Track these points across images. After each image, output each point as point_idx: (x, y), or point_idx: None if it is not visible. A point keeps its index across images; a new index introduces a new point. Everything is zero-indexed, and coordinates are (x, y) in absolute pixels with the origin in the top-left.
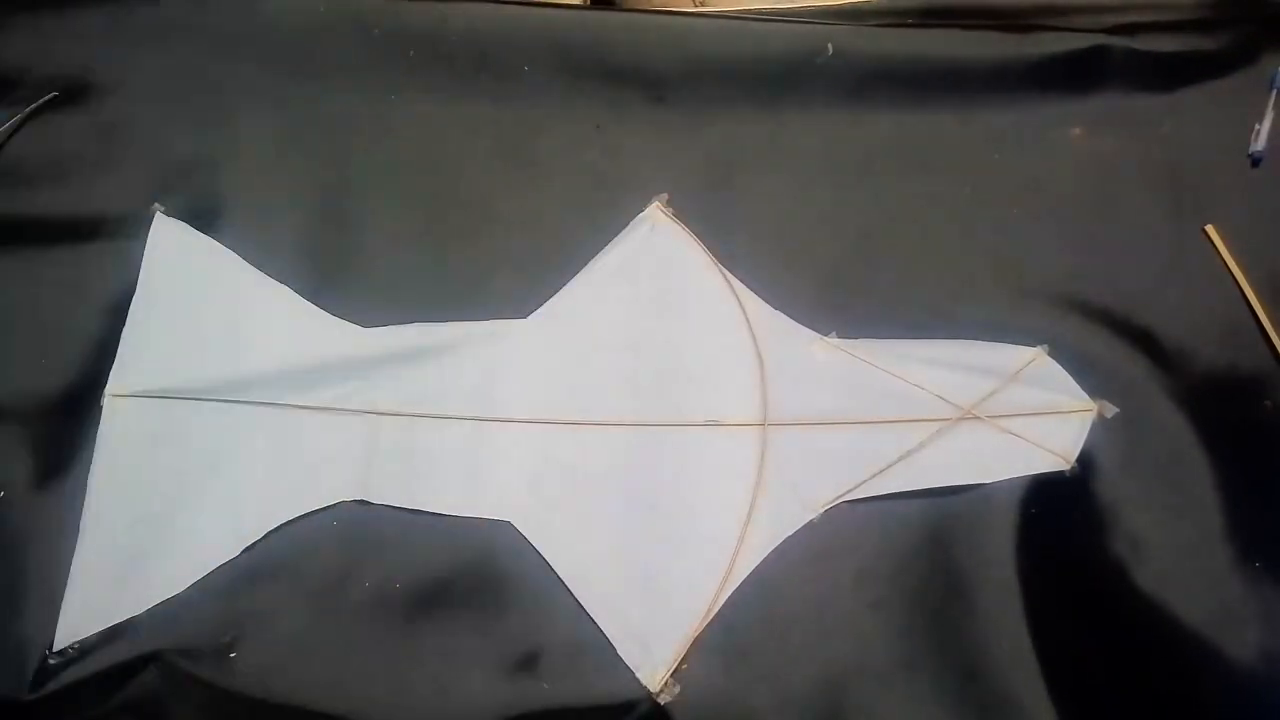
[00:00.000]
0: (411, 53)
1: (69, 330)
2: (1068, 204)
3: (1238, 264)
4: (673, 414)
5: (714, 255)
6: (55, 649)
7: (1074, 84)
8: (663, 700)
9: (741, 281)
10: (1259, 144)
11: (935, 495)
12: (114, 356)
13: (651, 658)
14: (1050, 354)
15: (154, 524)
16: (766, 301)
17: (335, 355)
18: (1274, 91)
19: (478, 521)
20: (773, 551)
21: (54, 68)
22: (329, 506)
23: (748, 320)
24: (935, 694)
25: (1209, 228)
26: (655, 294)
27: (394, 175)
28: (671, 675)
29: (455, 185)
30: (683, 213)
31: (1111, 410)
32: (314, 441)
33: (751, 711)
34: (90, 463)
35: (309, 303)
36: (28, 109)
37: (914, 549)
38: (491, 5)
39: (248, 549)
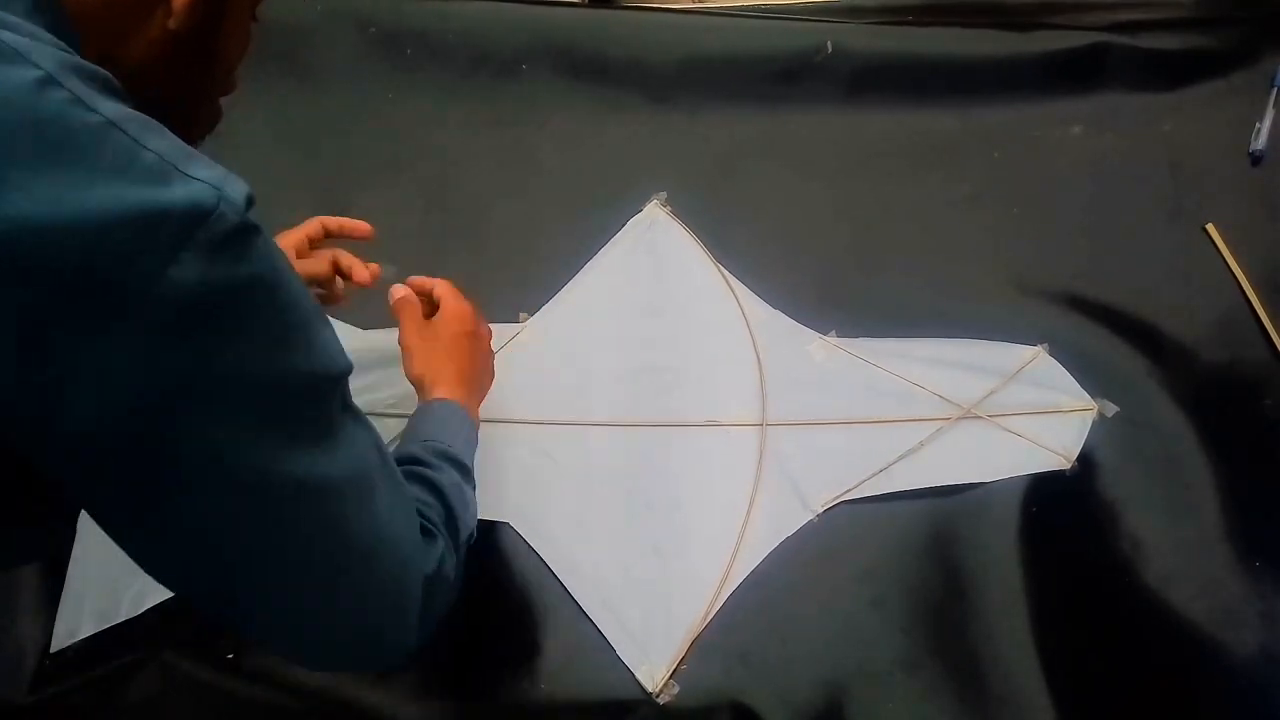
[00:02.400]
0: (409, 51)
1: None
2: (1068, 203)
3: (1238, 263)
4: (671, 414)
5: (712, 254)
6: (53, 650)
7: (1074, 82)
8: (662, 701)
9: (740, 280)
10: (1259, 143)
11: (935, 494)
12: None
13: (650, 658)
14: (1050, 353)
15: None
16: (765, 300)
17: None
18: (1274, 90)
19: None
20: (773, 551)
21: None
22: None
23: (746, 319)
24: (935, 694)
25: (1209, 226)
26: (654, 293)
27: (391, 174)
28: (671, 676)
29: (453, 184)
30: (681, 211)
31: (1112, 409)
32: None
33: (751, 712)
34: None
35: None
36: None
37: (914, 548)
38: (489, 3)
39: None
